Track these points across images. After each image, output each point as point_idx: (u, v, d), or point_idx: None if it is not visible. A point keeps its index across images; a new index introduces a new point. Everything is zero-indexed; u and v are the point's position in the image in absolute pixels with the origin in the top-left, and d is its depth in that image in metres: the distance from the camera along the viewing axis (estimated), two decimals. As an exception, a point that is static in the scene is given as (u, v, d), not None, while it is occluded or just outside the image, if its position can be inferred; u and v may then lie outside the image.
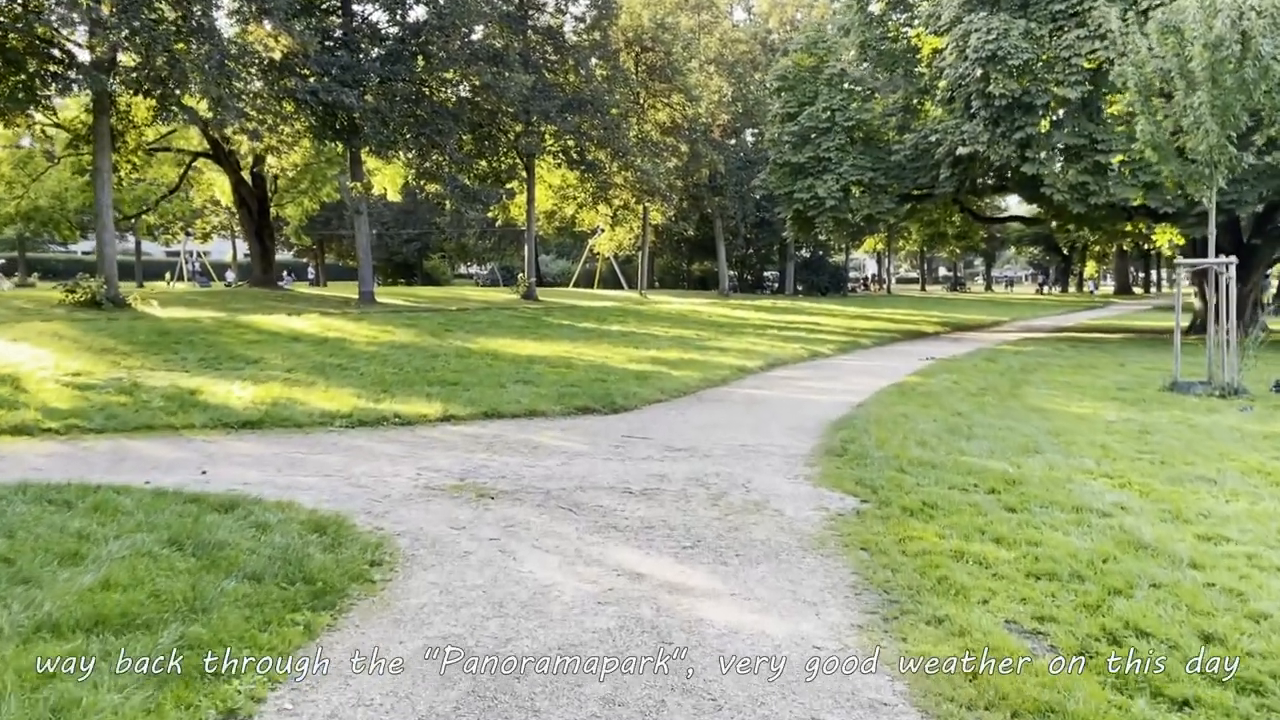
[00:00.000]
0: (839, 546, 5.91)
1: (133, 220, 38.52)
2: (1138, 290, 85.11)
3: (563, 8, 35.05)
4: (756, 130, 51.25)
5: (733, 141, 51.95)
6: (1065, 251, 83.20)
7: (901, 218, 29.58)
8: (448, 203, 32.30)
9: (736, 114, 49.38)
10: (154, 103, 22.25)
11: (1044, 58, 22.18)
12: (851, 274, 77.20)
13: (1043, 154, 22.98)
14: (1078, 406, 12.37)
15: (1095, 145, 22.62)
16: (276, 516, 5.99)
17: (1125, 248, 67.53)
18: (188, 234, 62.36)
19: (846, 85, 27.84)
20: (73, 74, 20.61)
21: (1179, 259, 15.46)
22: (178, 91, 21.95)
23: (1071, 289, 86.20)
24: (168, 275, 61.62)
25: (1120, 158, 22.29)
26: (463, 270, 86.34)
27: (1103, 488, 7.49)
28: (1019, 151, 23.10)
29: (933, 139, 25.53)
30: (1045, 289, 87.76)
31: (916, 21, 28.95)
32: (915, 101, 30.31)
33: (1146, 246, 66.29)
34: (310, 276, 68.22)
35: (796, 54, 29.07)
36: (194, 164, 35.90)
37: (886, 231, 40.74)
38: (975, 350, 22.01)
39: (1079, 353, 21.16)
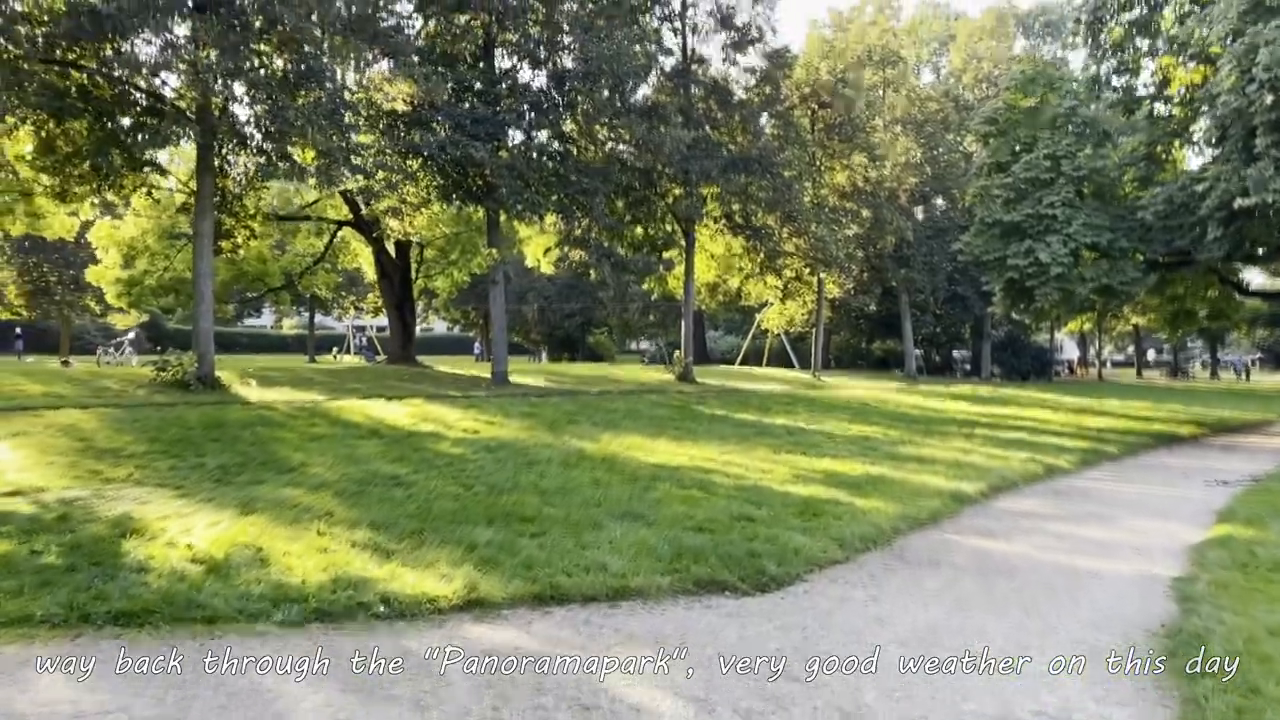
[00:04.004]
0: None
1: (274, 293, 37.18)
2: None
3: (730, 59, 31.38)
4: (950, 195, 45.90)
5: (921, 208, 46.70)
6: (1312, 333, 71.95)
7: (1148, 289, 23.67)
8: (593, 272, 28.83)
9: (926, 178, 44.17)
10: (257, 158, 19.68)
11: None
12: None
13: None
14: None
15: None
16: None
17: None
18: (358, 309, 62.45)
19: (1074, 127, 22.53)
20: (168, 126, 18.19)
21: None
22: (286, 145, 19.31)
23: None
24: (334, 349, 61.53)
25: None
26: (632, 346, 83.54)
27: None
28: (1330, 200, 17.22)
29: (1198, 189, 19.84)
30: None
31: (1164, 49, 23.46)
32: (1159, 149, 24.60)
33: None
34: (477, 351, 67.07)
35: (1010, 92, 24.04)
36: (339, 234, 34.10)
37: (1120, 306, 34.36)
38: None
39: None
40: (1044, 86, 23.40)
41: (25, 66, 16.43)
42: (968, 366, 56.36)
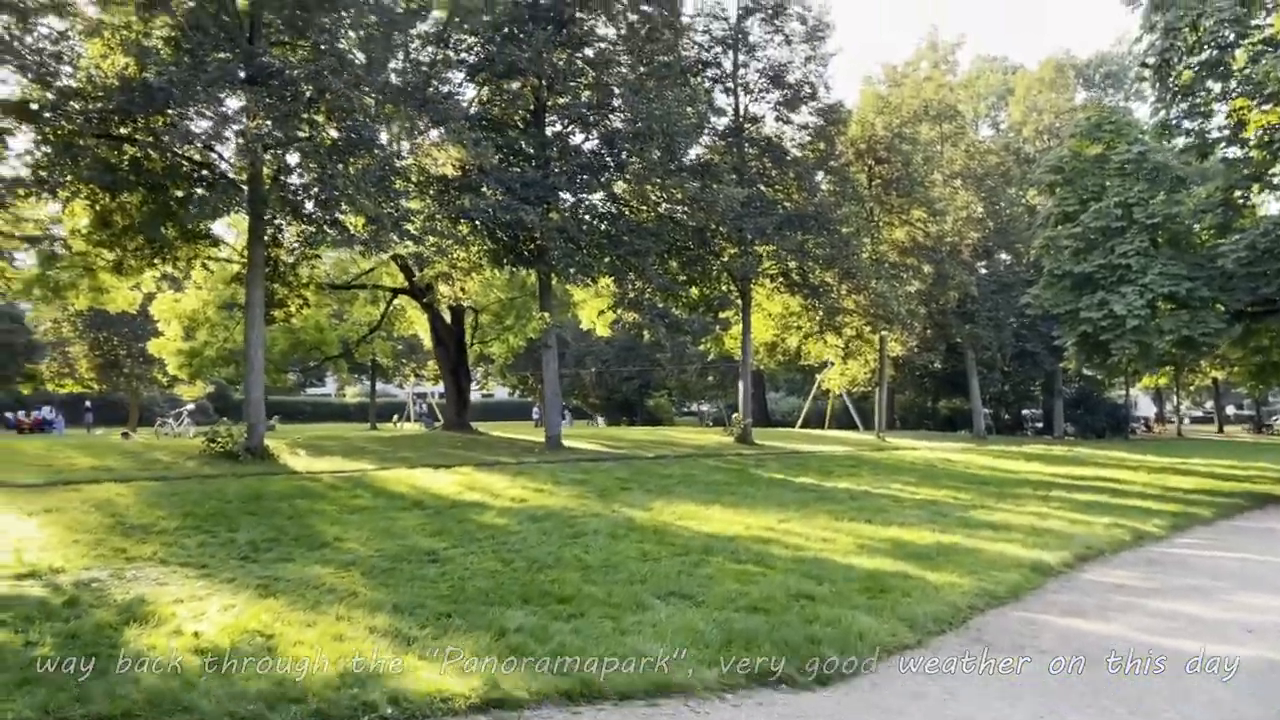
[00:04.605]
0: None
1: (332, 361, 37.36)
2: None
3: (783, 117, 31.03)
4: (1014, 249, 44.75)
5: (985, 263, 45.52)
6: None
7: (1231, 341, 22.34)
8: (647, 334, 28.35)
9: (989, 232, 43.08)
10: (308, 226, 19.66)
11: None
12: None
13: None
14: None
15: None
16: None
17: None
18: (418, 376, 62.88)
19: (1145, 174, 21.55)
20: (218, 197, 18.19)
21: None
22: (335, 212, 19.28)
23: None
24: (395, 417, 61.79)
25: None
26: (692, 408, 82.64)
27: None
28: None
29: (1283, 232, 18.70)
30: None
31: (1237, 90, 22.45)
32: (1237, 194, 23.40)
33: None
34: (536, 416, 66.98)
35: (1075, 140, 23.18)
36: (394, 301, 34.20)
37: (1198, 360, 32.68)
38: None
39: None
40: (1111, 132, 22.49)
41: (80, 142, 16.65)
42: (1039, 425, 54.50)
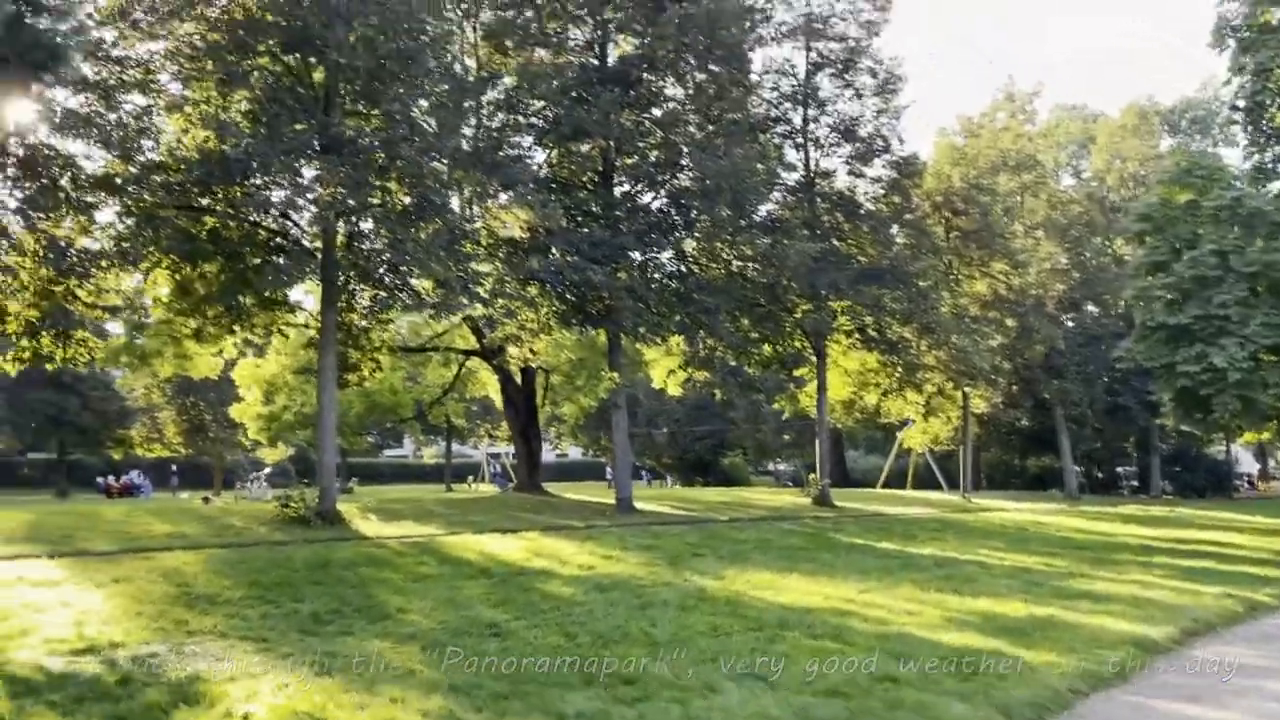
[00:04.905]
0: None
1: (405, 423, 37.72)
2: None
3: (856, 171, 30.64)
4: (1101, 301, 43.29)
5: (1071, 315, 44.05)
6: None
7: (1346, 393, 20.95)
8: (718, 392, 27.91)
9: (1074, 283, 41.75)
10: (378, 290, 19.84)
11: None
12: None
13: None
14: None
15: None
16: None
17: None
18: (491, 436, 63.31)
19: (1240, 220, 20.56)
20: (293, 264, 18.49)
21: None
22: (405, 274, 19.46)
23: None
24: (470, 478, 62.09)
25: None
26: (770, 467, 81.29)
27: None
28: None
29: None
30: None
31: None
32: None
33: None
34: (609, 477, 66.66)
35: (1164, 187, 22.28)
36: (466, 363, 34.42)
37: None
38: None
39: None
40: (1202, 178, 21.56)
41: (161, 214, 17.12)
42: (1134, 483, 51.99)
